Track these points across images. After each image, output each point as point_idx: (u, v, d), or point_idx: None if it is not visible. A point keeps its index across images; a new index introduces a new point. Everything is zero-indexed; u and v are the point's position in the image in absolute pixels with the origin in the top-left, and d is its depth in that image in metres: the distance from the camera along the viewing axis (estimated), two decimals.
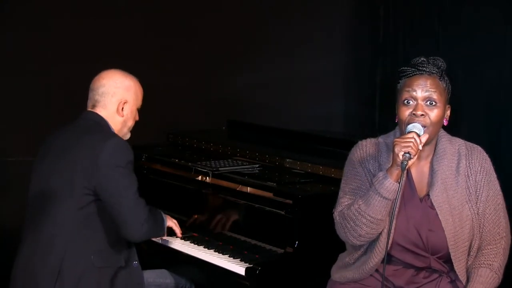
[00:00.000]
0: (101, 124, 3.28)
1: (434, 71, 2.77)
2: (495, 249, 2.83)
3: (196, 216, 3.68)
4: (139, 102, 3.39)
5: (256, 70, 5.20)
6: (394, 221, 2.73)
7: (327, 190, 3.41)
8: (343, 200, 2.86)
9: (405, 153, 2.64)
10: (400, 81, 2.82)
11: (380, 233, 2.79)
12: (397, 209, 2.74)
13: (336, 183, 3.44)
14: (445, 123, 2.83)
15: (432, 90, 2.75)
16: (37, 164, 3.30)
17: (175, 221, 3.55)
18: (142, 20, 4.88)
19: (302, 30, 5.26)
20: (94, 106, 3.31)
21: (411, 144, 2.64)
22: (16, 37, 4.53)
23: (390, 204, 2.71)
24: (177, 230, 3.54)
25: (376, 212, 2.72)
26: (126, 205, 3.15)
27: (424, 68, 2.77)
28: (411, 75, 2.78)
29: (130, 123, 3.37)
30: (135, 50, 4.81)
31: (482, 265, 2.81)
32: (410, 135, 2.68)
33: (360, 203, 2.74)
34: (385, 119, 5.09)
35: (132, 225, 3.17)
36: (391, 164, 2.72)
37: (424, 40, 4.75)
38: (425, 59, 2.80)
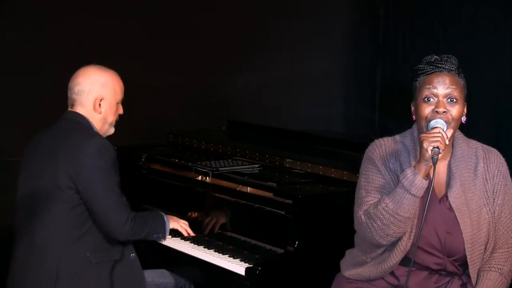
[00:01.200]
0: (82, 123, 3.26)
1: (452, 68, 2.77)
2: (506, 253, 2.82)
3: (196, 216, 3.68)
4: (118, 97, 3.34)
5: (256, 70, 5.19)
6: (421, 223, 2.67)
7: (327, 190, 3.41)
8: (368, 199, 2.80)
9: (434, 147, 2.62)
10: (418, 79, 2.79)
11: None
12: (421, 210, 2.70)
13: (336, 183, 3.45)
14: (463, 120, 2.81)
15: (453, 87, 2.75)
16: (24, 165, 3.31)
17: (183, 222, 3.55)
18: (142, 20, 4.87)
19: (302, 30, 5.25)
20: (72, 105, 3.30)
21: (439, 138, 2.63)
22: (16, 37, 4.53)
23: (418, 202, 2.69)
24: (183, 232, 3.53)
25: (405, 210, 2.68)
26: (107, 206, 3.17)
27: (443, 65, 2.76)
28: (430, 72, 2.77)
29: (111, 119, 3.34)
30: (135, 50, 4.81)
31: (492, 269, 2.79)
32: (436, 130, 2.67)
33: (387, 201, 2.70)
34: (385, 119, 5.09)
35: (113, 225, 3.19)
36: (417, 160, 2.68)
37: (424, 40, 4.74)
38: (438, 57, 2.79)
